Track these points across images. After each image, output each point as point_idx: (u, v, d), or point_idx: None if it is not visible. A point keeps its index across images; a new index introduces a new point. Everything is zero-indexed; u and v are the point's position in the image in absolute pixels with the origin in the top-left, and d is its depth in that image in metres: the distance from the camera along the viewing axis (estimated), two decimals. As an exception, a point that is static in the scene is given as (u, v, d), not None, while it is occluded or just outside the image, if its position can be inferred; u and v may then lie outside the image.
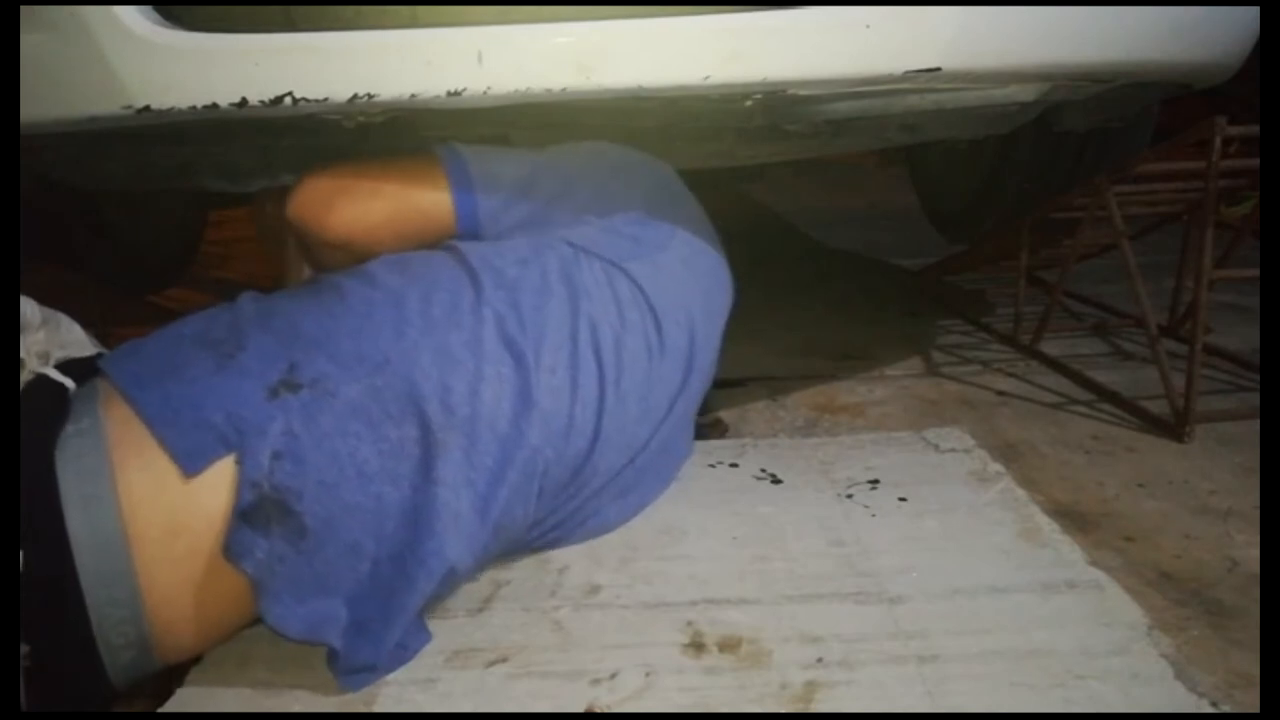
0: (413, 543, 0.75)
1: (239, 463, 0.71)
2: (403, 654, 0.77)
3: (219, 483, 0.71)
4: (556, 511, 0.90)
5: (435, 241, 0.91)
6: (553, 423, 0.83)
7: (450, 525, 0.76)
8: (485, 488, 0.79)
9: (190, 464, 0.71)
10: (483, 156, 0.92)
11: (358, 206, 0.90)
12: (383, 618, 0.75)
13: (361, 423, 0.75)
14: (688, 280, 0.97)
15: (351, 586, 0.75)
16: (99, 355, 0.82)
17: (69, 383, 0.76)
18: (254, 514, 0.71)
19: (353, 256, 0.91)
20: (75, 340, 0.84)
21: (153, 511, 0.70)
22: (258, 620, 0.75)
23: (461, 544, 0.78)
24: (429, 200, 0.90)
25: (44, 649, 0.67)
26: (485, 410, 0.79)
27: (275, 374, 0.75)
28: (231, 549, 0.70)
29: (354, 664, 0.74)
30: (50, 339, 0.81)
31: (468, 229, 0.91)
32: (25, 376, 0.76)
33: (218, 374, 0.75)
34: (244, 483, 0.71)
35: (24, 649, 0.66)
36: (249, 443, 0.72)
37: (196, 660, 0.79)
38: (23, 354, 0.77)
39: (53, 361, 0.79)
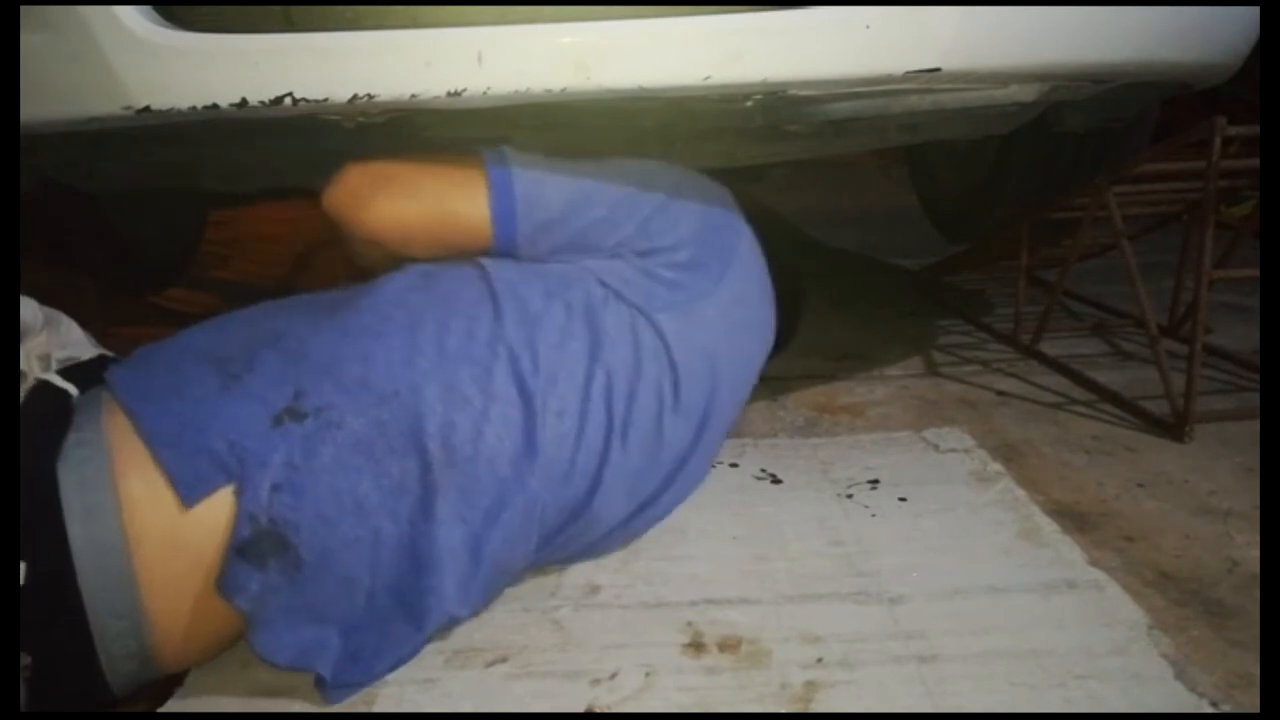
0: (411, 578, 0.74)
1: (238, 494, 0.70)
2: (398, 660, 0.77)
3: (219, 507, 0.70)
4: (555, 553, 0.88)
5: (470, 252, 0.87)
6: (553, 468, 0.81)
7: (448, 563, 0.75)
8: (480, 527, 0.77)
9: (189, 492, 0.70)
10: (531, 175, 0.85)
11: (395, 206, 0.84)
12: (376, 648, 0.74)
13: (363, 456, 0.74)
14: (721, 333, 0.91)
15: (346, 617, 0.74)
16: (101, 360, 0.82)
17: (72, 389, 0.75)
18: (250, 549, 0.70)
19: (387, 253, 0.87)
20: (75, 340, 0.83)
21: (153, 524, 0.69)
22: None
23: (456, 581, 0.76)
24: (467, 214, 0.85)
25: (45, 659, 0.67)
26: (487, 451, 0.77)
27: (280, 400, 0.74)
28: (225, 585, 0.70)
29: (341, 687, 0.73)
30: (50, 340, 0.81)
31: (504, 249, 0.86)
32: (27, 384, 0.75)
33: (222, 396, 0.74)
34: (242, 516, 0.70)
35: (25, 659, 0.66)
36: (249, 473, 0.70)
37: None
38: (23, 360, 0.76)
39: (54, 364, 0.79)
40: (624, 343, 0.85)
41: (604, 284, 0.86)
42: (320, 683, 0.73)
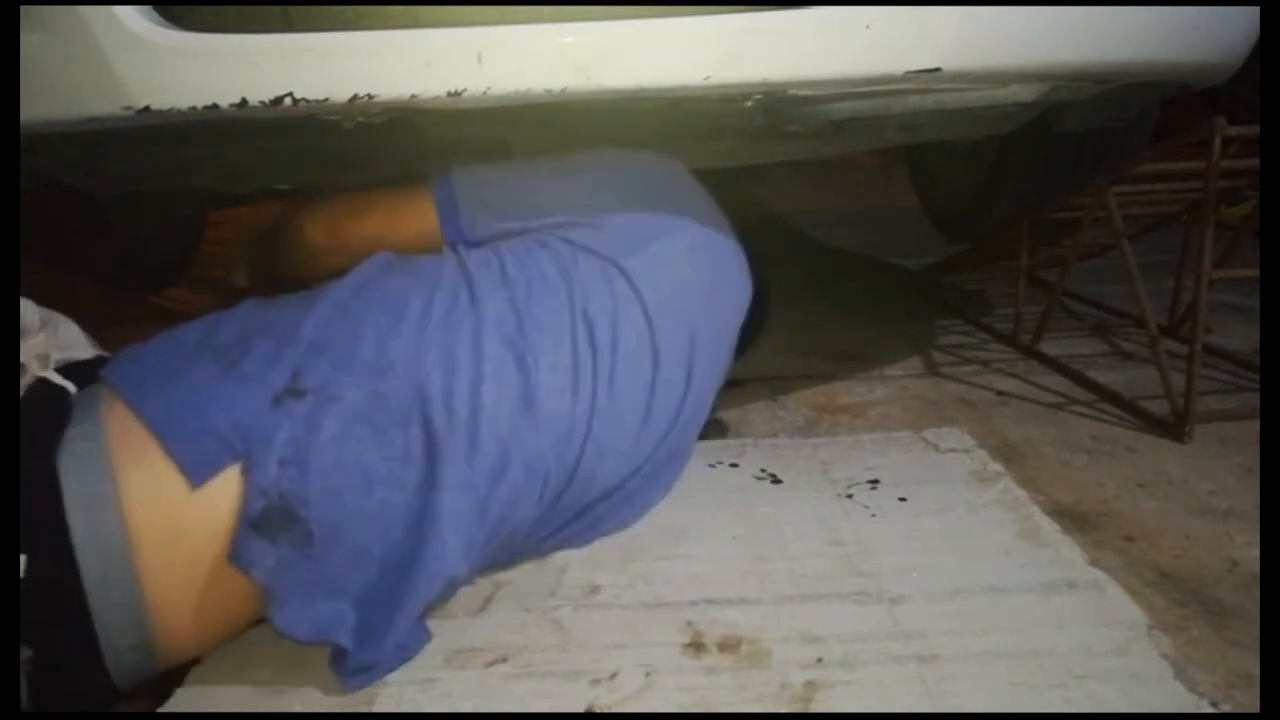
0: (416, 547, 0.75)
1: (246, 472, 0.71)
2: (403, 654, 0.77)
3: (221, 489, 0.71)
4: (555, 519, 0.89)
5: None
6: (552, 423, 0.82)
7: (451, 529, 0.76)
8: (485, 489, 0.79)
9: (197, 475, 0.70)
10: (475, 197, 0.93)
11: (350, 256, 0.90)
12: (386, 620, 0.75)
13: (366, 428, 0.75)
14: (690, 274, 0.95)
15: (359, 589, 0.75)
16: (99, 359, 0.82)
17: (70, 386, 0.75)
18: (263, 523, 0.71)
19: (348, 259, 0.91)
20: (74, 340, 0.84)
21: (154, 515, 0.70)
22: (261, 620, 0.75)
23: (460, 546, 0.77)
24: (420, 230, 0.94)
25: (47, 652, 0.67)
26: (486, 411, 0.79)
27: (279, 381, 0.75)
28: (240, 557, 0.70)
29: (358, 663, 0.74)
30: (49, 341, 0.81)
31: (456, 239, 0.93)
32: (26, 381, 0.75)
33: (221, 381, 0.75)
34: (252, 491, 0.71)
35: (27, 652, 0.66)
36: (255, 451, 0.71)
37: (197, 660, 0.79)
38: (22, 358, 0.77)
39: (52, 364, 0.79)
40: (599, 292, 0.88)
41: (568, 241, 0.90)
42: (337, 660, 0.74)
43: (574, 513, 0.91)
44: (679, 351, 0.93)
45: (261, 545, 0.71)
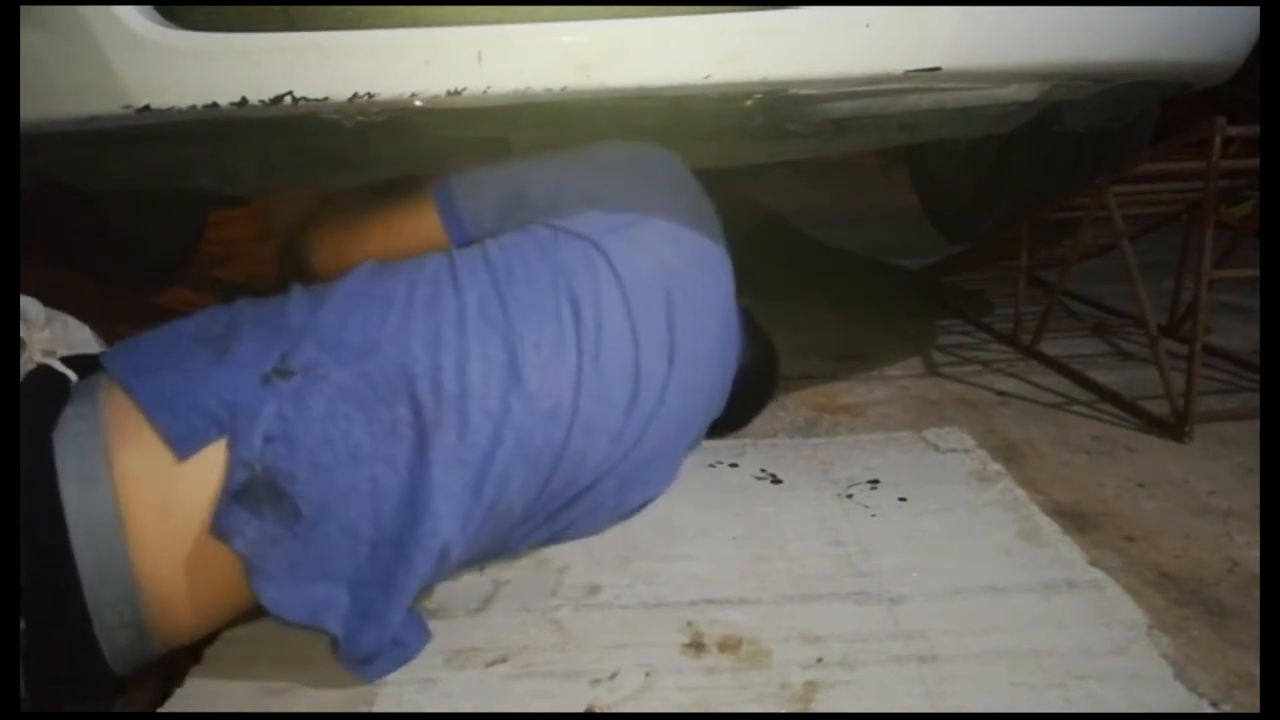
0: (410, 524, 0.76)
1: (230, 445, 0.73)
2: (403, 653, 0.77)
3: (212, 464, 0.73)
4: (546, 506, 0.89)
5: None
6: (542, 400, 0.83)
7: (444, 504, 0.77)
8: (479, 465, 0.79)
9: (183, 447, 0.72)
10: (474, 196, 0.96)
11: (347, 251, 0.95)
12: (384, 599, 0.75)
13: (353, 405, 0.76)
14: (667, 260, 0.95)
15: (352, 570, 0.75)
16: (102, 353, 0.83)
17: (71, 375, 0.77)
18: (245, 494, 0.72)
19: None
20: (82, 340, 0.86)
21: (147, 491, 0.71)
22: (260, 610, 0.75)
23: (456, 522, 0.78)
24: (426, 238, 0.96)
25: (40, 626, 0.68)
26: (475, 388, 0.80)
27: (269, 363, 0.77)
28: (221, 527, 0.72)
29: (359, 650, 0.74)
30: (57, 338, 0.83)
31: (459, 239, 0.96)
32: (29, 367, 0.77)
33: (213, 366, 0.77)
34: (235, 463, 0.72)
35: (21, 624, 0.66)
36: (240, 425, 0.73)
37: (197, 660, 0.79)
38: (28, 349, 0.79)
39: (58, 356, 0.80)
40: (581, 271, 0.89)
41: (550, 225, 0.92)
42: (336, 647, 0.74)
43: (565, 500, 0.90)
44: (658, 336, 0.92)
45: (243, 516, 0.72)
